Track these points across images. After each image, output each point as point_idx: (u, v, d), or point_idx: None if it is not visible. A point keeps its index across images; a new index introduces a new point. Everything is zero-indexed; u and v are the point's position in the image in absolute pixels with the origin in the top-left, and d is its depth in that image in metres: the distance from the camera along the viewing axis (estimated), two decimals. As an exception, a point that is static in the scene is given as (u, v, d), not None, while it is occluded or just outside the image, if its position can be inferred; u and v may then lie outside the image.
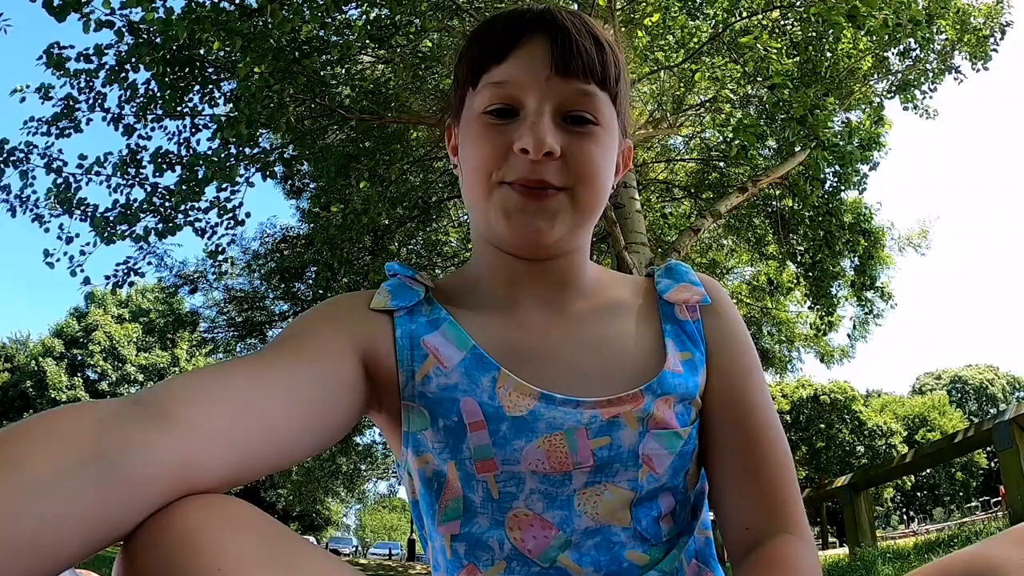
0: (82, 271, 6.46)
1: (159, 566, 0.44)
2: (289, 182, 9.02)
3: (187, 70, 6.27)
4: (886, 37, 6.31)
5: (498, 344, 0.75)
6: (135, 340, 32.74)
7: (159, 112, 6.59)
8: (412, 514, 0.81)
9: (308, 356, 0.65)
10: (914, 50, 7.71)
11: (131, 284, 7.03)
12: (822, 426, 29.01)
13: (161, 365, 33.40)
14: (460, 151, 0.78)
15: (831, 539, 27.20)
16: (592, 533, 0.70)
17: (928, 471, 31.94)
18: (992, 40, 7.93)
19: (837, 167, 7.12)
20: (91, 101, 6.49)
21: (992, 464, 31.29)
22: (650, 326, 0.79)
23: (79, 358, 31.92)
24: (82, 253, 6.50)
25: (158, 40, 5.83)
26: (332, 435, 0.66)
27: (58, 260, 6.47)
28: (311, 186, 8.93)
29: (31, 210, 6.65)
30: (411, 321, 0.76)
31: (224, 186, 6.63)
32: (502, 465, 0.70)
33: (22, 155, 6.54)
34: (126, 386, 32.33)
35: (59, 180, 6.56)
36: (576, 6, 7.90)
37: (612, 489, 0.71)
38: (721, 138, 7.97)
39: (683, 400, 0.75)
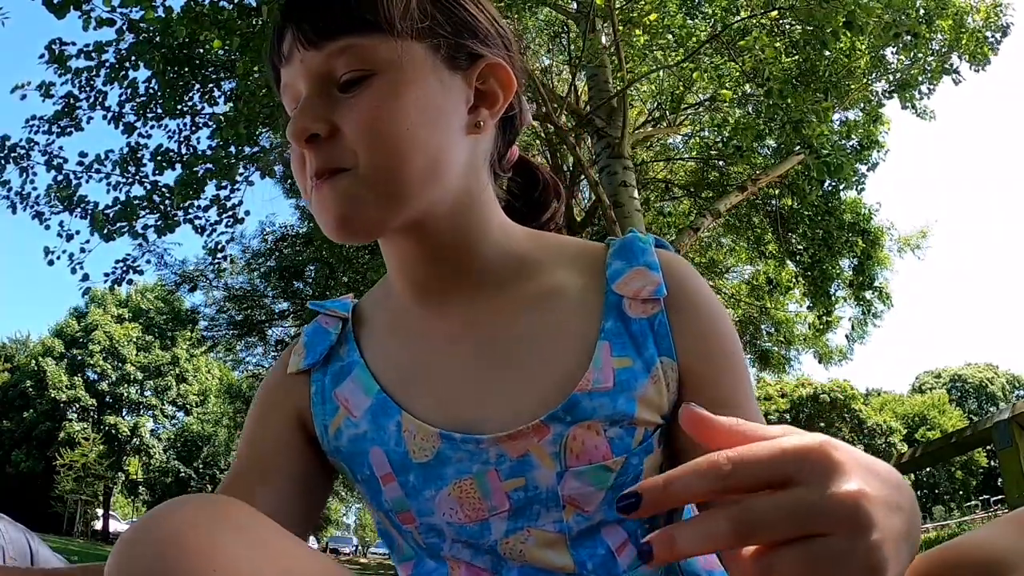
0: (81, 268, 6.46)
1: (151, 565, 0.44)
2: (289, 181, 9.02)
3: (187, 69, 6.27)
4: (884, 40, 6.32)
5: (402, 373, 0.68)
6: (135, 340, 32.74)
7: (159, 111, 6.59)
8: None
9: (270, 478, 0.67)
10: (912, 50, 7.70)
11: (130, 282, 7.03)
12: (822, 425, 29.00)
13: (161, 364, 33.42)
14: None
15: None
16: (532, 574, 0.64)
17: (928, 470, 31.96)
18: (991, 42, 7.92)
19: (829, 177, 7.13)
20: (92, 99, 6.49)
21: (992, 463, 31.31)
22: (585, 324, 0.66)
23: (79, 358, 31.92)
24: (82, 251, 6.50)
25: (158, 39, 5.83)
26: (322, 505, 0.73)
27: (58, 258, 6.47)
28: (311, 185, 8.93)
29: (31, 207, 6.66)
30: (324, 374, 0.72)
31: (224, 184, 6.63)
32: (419, 517, 0.65)
33: (23, 152, 6.55)
34: (126, 386, 32.34)
35: (59, 177, 6.57)
36: (575, 6, 7.91)
37: (536, 534, 0.63)
38: (719, 137, 7.98)
39: (617, 423, 0.62)
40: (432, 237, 0.66)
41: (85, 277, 6.48)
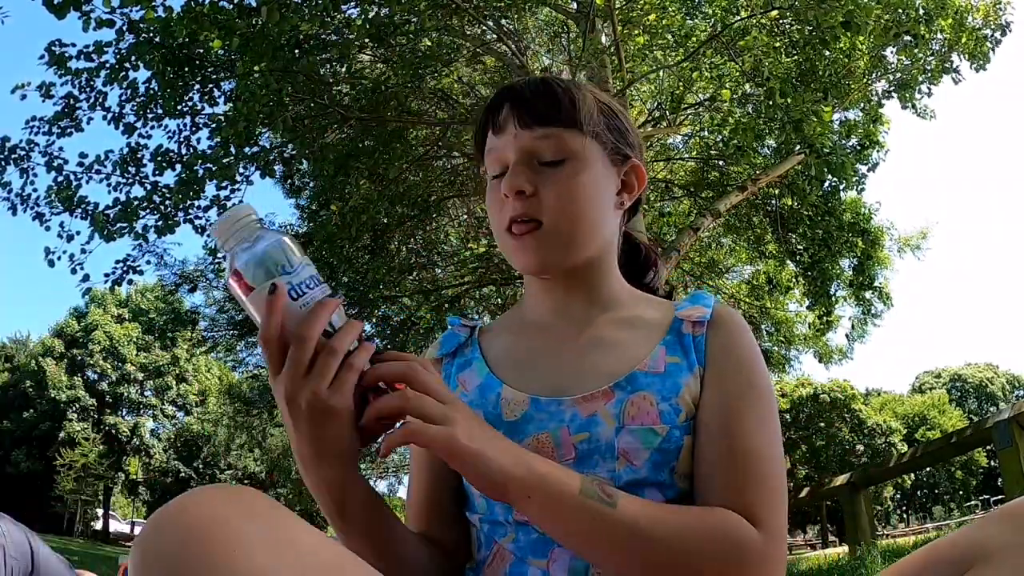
0: (81, 268, 6.46)
1: (175, 549, 0.47)
2: (288, 181, 9.02)
3: (187, 69, 6.27)
4: (884, 39, 6.32)
5: (511, 362, 0.92)
6: (135, 340, 32.73)
7: (159, 111, 6.59)
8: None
9: None
10: (912, 49, 7.70)
11: (130, 282, 7.03)
12: (822, 424, 29.00)
13: (161, 364, 33.40)
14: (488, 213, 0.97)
15: (831, 538, 27.22)
16: None
17: (928, 470, 31.96)
18: (990, 41, 7.91)
19: (830, 177, 7.12)
20: (92, 100, 6.49)
21: (992, 463, 31.30)
22: (653, 337, 0.89)
23: (79, 358, 31.92)
24: (82, 251, 6.50)
25: (158, 39, 5.83)
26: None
27: (58, 258, 6.47)
28: (310, 185, 8.92)
29: (32, 208, 6.66)
30: (451, 364, 0.96)
31: (224, 184, 6.63)
32: None
33: (23, 152, 6.55)
34: (126, 386, 32.34)
35: (60, 178, 6.57)
36: (575, 6, 7.91)
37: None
38: (719, 137, 7.97)
39: (667, 399, 0.82)
40: (578, 276, 0.92)
41: (86, 278, 6.49)
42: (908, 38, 5.88)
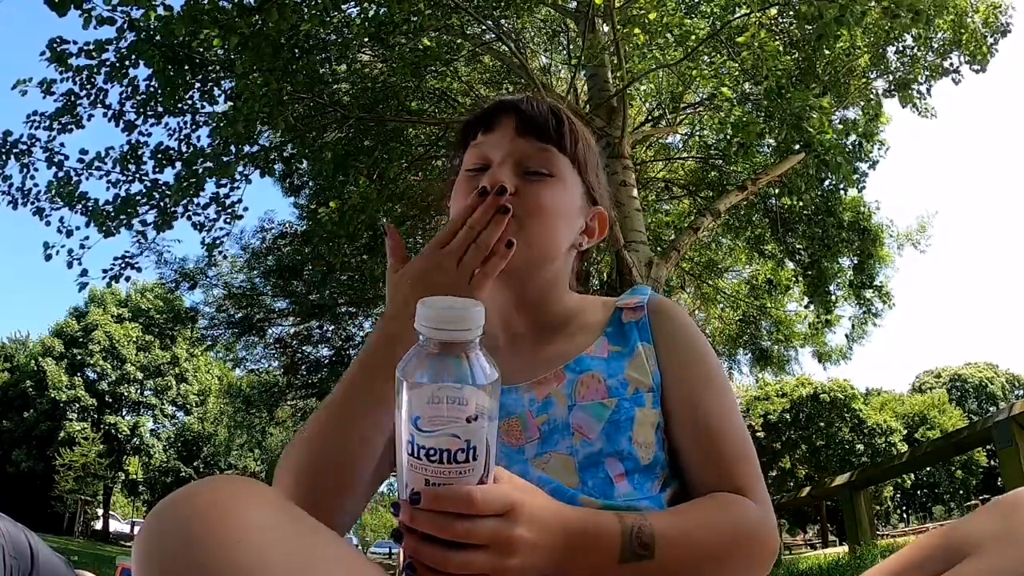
0: (79, 263, 6.46)
1: (181, 537, 0.48)
2: (288, 180, 9.02)
3: (187, 67, 6.27)
4: (885, 30, 6.29)
5: (498, 348, 0.96)
6: (135, 340, 32.72)
7: (159, 109, 6.59)
8: None
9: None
10: (912, 48, 7.70)
11: (127, 279, 7.03)
12: (822, 424, 28.99)
13: (161, 364, 33.40)
14: (451, 202, 0.99)
15: (831, 537, 27.23)
16: (545, 482, 0.83)
17: (928, 469, 31.95)
18: (990, 42, 7.90)
19: (830, 176, 7.11)
20: (92, 97, 6.49)
21: (992, 462, 31.32)
22: (596, 331, 0.95)
23: (79, 358, 31.90)
24: (81, 247, 6.51)
25: (158, 38, 5.83)
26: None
27: (56, 252, 6.48)
28: (309, 184, 8.92)
29: (32, 203, 6.66)
30: None
31: (223, 182, 6.63)
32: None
33: (24, 148, 6.56)
34: (126, 386, 32.33)
35: (60, 174, 6.58)
36: (575, 5, 7.90)
37: (555, 456, 0.85)
38: (720, 136, 7.96)
39: (614, 375, 0.89)
40: (527, 298, 0.95)
41: (84, 272, 6.49)
42: (911, 16, 5.81)
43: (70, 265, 6.41)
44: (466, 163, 0.95)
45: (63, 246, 6.50)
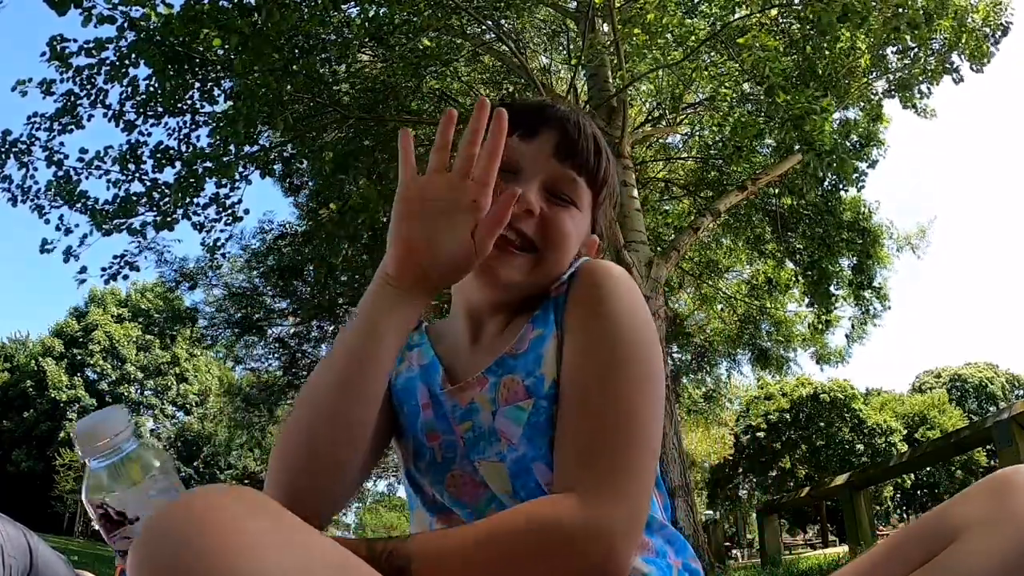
0: (77, 260, 6.47)
1: (178, 550, 0.47)
2: (288, 180, 9.02)
3: (187, 67, 6.27)
4: (884, 36, 6.30)
5: (450, 356, 0.94)
6: (135, 340, 32.72)
7: (159, 109, 6.60)
8: (409, 501, 0.97)
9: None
10: (912, 49, 7.70)
11: (125, 277, 7.05)
12: (822, 424, 28.99)
13: (161, 364, 33.39)
14: None
15: (831, 537, 27.23)
16: (492, 501, 0.82)
17: (928, 469, 31.96)
18: (991, 41, 7.91)
19: (830, 176, 7.11)
20: (92, 97, 6.50)
21: (992, 462, 31.32)
22: (527, 318, 0.89)
23: (79, 358, 31.92)
24: (80, 244, 6.52)
25: (158, 37, 5.83)
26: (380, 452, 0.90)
27: (52, 248, 6.49)
28: (310, 184, 8.92)
29: (32, 200, 6.67)
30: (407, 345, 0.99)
31: (223, 183, 6.63)
32: (442, 435, 0.87)
33: (24, 147, 6.57)
34: (126, 385, 32.33)
35: (60, 173, 6.59)
36: (574, 5, 7.90)
37: (485, 465, 0.82)
38: (719, 137, 7.97)
39: (531, 373, 0.83)
40: (514, 302, 0.91)
41: (83, 270, 6.50)
42: (909, 30, 5.86)
43: (66, 259, 6.42)
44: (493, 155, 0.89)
45: (58, 243, 6.52)
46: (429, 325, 1.02)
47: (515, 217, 0.83)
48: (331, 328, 10.48)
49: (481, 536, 0.68)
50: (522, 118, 0.91)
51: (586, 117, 0.95)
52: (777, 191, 8.65)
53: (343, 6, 6.30)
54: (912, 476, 32.47)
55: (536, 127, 0.91)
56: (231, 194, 6.84)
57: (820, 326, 9.51)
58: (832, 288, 9.15)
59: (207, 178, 6.43)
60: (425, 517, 0.90)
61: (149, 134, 6.78)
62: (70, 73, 6.30)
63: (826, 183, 8.35)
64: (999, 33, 7.96)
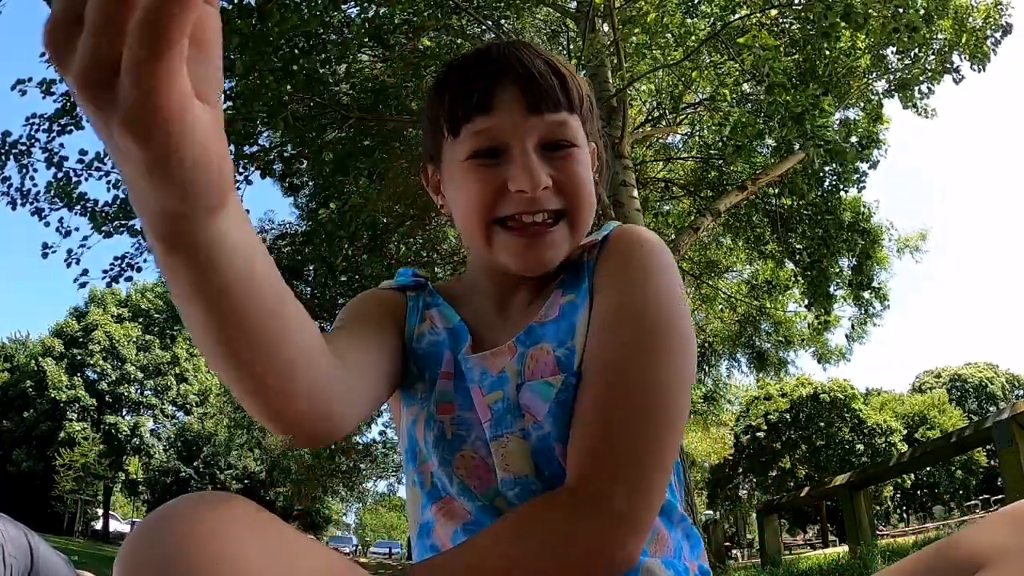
0: (78, 263, 6.47)
1: (161, 560, 0.45)
2: (288, 180, 9.02)
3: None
4: (884, 37, 6.31)
5: (475, 323, 0.86)
6: (135, 339, 32.73)
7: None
8: (405, 467, 0.89)
9: (365, 336, 0.81)
10: (912, 49, 7.70)
11: (128, 279, 7.04)
12: (822, 424, 29.02)
13: (161, 364, 33.39)
14: (447, 191, 0.87)
15: (831, 537, 27.23)
16: (511, 484, 0.75)
17: (928, 469, 31.96)
18: (991, 41, 7.91)
19: (835, 165, 7.11)
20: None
21: (992, 462, 31.33)
22: (553, 286, 0.84)
23: (79, 358, 31.91)
24: (81, 246, 6.52)
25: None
26: (384, 397, 0.82)
27: (54, 252, 6.49)
28: (309, 184, 8.92)
29: (31, 203, 6.67)
30: (416, 298, 0.91)
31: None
32: (459, 410, 0.79)
33: (24, 148, 6.57)
34: (126, 385, 32.33)
35: (59, 175, 6.59)
36: (574, 5, 7.91)
37: (512, 439, 0.76)
38: (719, 137, 7.97)
39: (563, 343, 0.77)
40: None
41: (84, 272, 6.50)
42: (908, 32, 5.86)
43: (68, 264, 6.42)
44: (469, 149, 0.79)
45: (59, 246, 6.52)
46: (437, 285, 0.94)
47: (534, 200, 0.78)
48: (331, 328, 10.47)
49: (492, 557, 0.63)
50: (466, 94, 0.79)
51: (520, 45, 0.83)
52: (777, 191, 8.65)
53: (343, 6, 6.30)
54: (912, 476, 32.47)
55: (488, 98, 0.79)
56: (231, 194, 6.85)
57: (820, 326, 9.51)
58: (832, 288, 9.16)
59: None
60: (420, 498, 0.82)
61: (149, 134, 6.79)
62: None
63: (826, 183, 8.35)
64: (999, 33, 7.97)
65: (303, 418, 0.62)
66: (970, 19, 7.73)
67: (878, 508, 32.18)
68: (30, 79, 6.44)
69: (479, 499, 0.76)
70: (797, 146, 6.33)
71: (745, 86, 6.99)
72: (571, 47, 8.31)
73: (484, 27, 7.23)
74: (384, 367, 0.80)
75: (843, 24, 5.36)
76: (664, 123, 8.86)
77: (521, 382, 0.77)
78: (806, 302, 9.49)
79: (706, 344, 11.49)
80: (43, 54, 6.18)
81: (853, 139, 7.75)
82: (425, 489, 0.81)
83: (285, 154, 7.37)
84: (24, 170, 6.61)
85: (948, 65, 8.00)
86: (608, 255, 0.80)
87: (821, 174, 7.60)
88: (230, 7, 5.64)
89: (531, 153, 0.78)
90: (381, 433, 15.79)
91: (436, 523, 0.79)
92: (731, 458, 28.37)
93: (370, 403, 0.75)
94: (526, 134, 0.79)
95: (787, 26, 7.04)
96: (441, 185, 0.87)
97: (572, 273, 0.83)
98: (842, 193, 8.65)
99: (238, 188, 6.88)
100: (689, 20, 6.81)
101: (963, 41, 7.67)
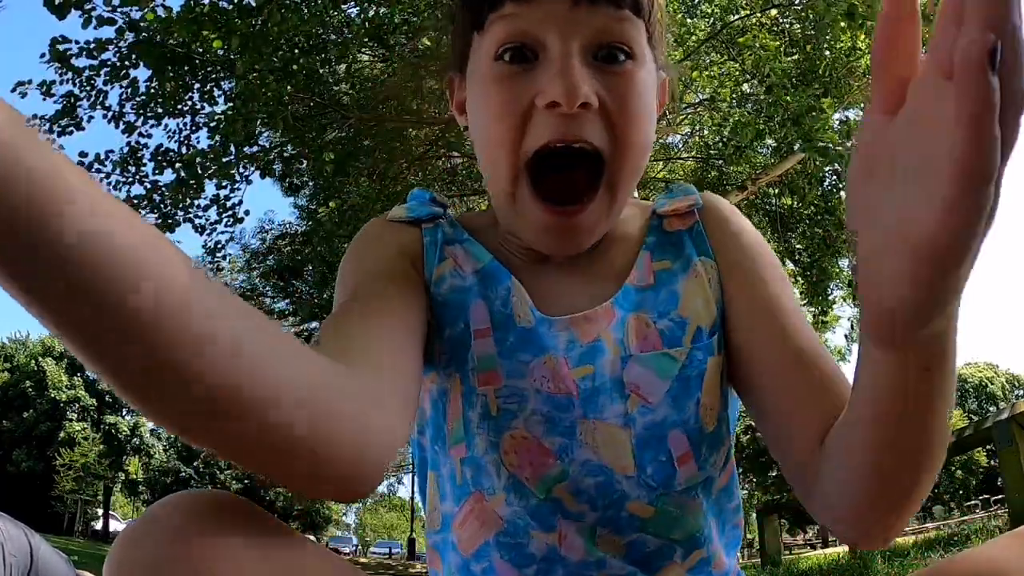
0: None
1: (147, 563, 0.43)
2: (288, 180, 9.02)
3: (187, 68, 6.28)
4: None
5: (513, 265, 0.69)
6: (135, 339, 32.73)
7: (159, 110, 6.60)
8: (412, 457, 0.75)
9: (391, 305, 0.61)
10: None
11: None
12: (822, 425, 29.02)
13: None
14: (469, 109, 0.66)
15: (831, 537, 27.22)
16: (594, 470, 0.62)
17: (927, 469, 31.94)
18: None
19: (835, 165, 7.12)
20: (92, 99, 6.50)
21: (992, 462, 31.34)
22: (633, 244, 0.70)
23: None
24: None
25: (158, 38, 5.84)
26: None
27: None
28: (309, 184, 8.93)
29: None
30: (435, 231, 0.71)
31: (224, 184, 6.64)
32: (506, 378, 0.63)
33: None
34: (126, 385, 32.33)
35: (59, 177, 6.59)
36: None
37: (603, 428, 0.62)
38: (719, 137, 7.97)
39: (665, 314, 0.65)
40: None
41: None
42: None
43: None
44: (495, 45, 0.61)
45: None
46: (459, 217, 0.75)
47: (570, 122, 0.58)
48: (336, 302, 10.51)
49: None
50: None
51: None
52: (777, 191, 8.66)
53: (343, 6, 6.30)
54: (912, 476, 32.42)
55: None
56: (231, 195, 6.86)
57: (818, 326, 9.52)
58: (832, 288, 9.17)
59: (207, 179, 6.44)
60: (444, 490, 0.68)
61: (149, 135, 6.79)
62: (70, 75, 6.30)
63: (826, 183, 8.36)
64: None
65: (330, 482, 0.46)
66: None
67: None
68: (30, 81, 6.44)
69: (532, 493, 0.63)
70: (796, 147, 6.34)
71: (745, 86, 7.00)
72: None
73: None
74: (419, 350, 0.60)
75: (843, 24, 5.37)
76: (664, 123, 8.87)
77: (626, 354, 0.63)
78: (804, 301, 9.50)
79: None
80: (43, 55, 6.19)
81: (852, 141, 7.76)
82: (454, 481, 0.66)
83: (285, 154, 7.38)
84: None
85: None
86: (720, 223, 0.69)
87: (821, 174, 7.61)
88: (230, 7, 5.65)
89: (574, 55, 0.58)
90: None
91: (461, 524, 0.66)
92: (731, 458, 28.39)
93: (412, 412, 0.56)
94: (571, 29, 0.59)
95: (787, 26, 7.05)
96: (466, 102, 0.67)
97: (655, 234, 0.70)
98: (842, 193, 8.66)
99: (238, 188, 6.91)
100: (689, 20, 6.81)
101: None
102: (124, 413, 33.03)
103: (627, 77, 0.60)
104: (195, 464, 34.44)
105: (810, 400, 0.59)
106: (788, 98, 5.71)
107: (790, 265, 9.81)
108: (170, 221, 6.60)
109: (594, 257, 0.68)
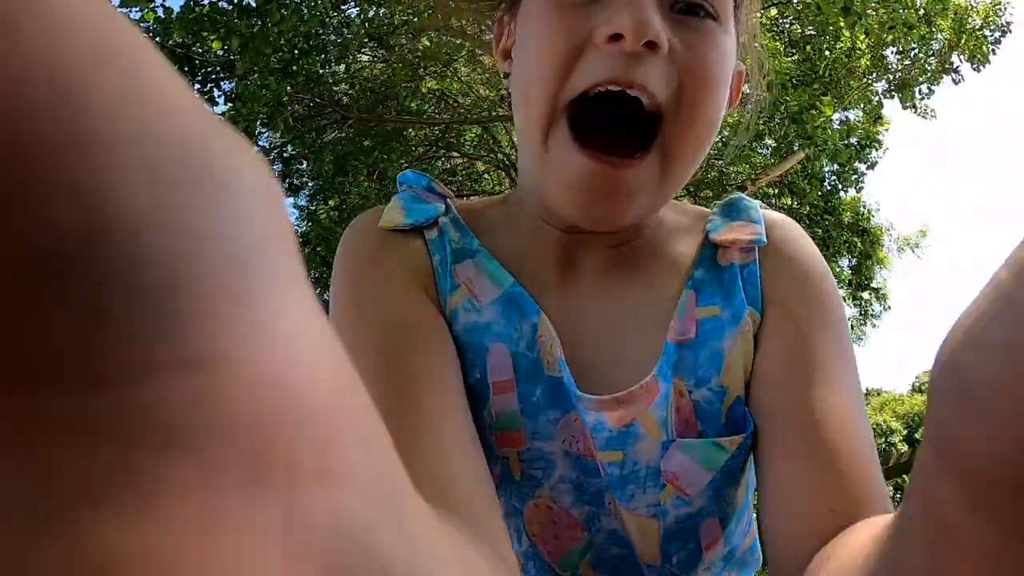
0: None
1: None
2: (288, 180, 9.04)
3: (186, 69, 6.29)
4: (883, 36, 6.33)
5: (536, 285, 0.54)
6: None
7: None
8: None
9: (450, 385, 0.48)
10: (912, 49, 7.71)
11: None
12: (822, 425, 29.00)
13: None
14: (516, 53, 0.53)
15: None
16: (619, 541, 0.54)
17: (928, 469, 32.00)
18: (991, 41, 7.92)
19: (835, 165, 7.13)
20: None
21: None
22: (678, 275, 0.55)
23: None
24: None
25: (157, 39, 5.85)
26: None
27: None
28: (309, 184, 8.94)
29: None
30: (440, 241, 0.55)
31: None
32: (531, 440, 0.52)
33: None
34: (126, 385, 32.47)
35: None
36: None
37: (629, 518, 0.53)
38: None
39: (703, 382, 0.52)
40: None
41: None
42: (904, 29, 5.91)
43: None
44: None
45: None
46: (463, 208, 0.59)
47: (632, 61, 0.46)
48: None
49: None
50: None
51: None
52: (777, 191, 8.66)
53: (343, 7, 6.31)
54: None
55: None
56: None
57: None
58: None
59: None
60: None
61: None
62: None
63: (826, 183, 8.36)
64: (999, 33, 7.98)
65: None
66: (969, 20, 7.74)
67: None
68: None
69: (553, 570, 0.54)
70: (796, 146, 6.34)
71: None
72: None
73: (484, 27, 7.23)
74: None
75: (841, 17, 5.37)
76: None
77: (668, 439, 0.51)
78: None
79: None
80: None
81: (853, 140, 7.76)
82: None
83: (285, 154, 7.38)
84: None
85: (948, 65, 8.01)
86: (776, 262, 0.55)
87: (821, 175, 7.61)
88: (230, 8, 5.65)
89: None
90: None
91: None
92: (731, 458, 28.38)
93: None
94: None
95: (787, 26, 7.05)
96: (512, 49, 0.55)
97: (707, 271, 0.55)
98: (841, 194, 8.66)
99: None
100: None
101: (962, 42, 7.67)
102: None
103: (707, 32, 0.49)
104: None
105: (820, 490, 0.45)
106: (788, 98, 5.72)
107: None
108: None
109: (633, 278, 0.55)
